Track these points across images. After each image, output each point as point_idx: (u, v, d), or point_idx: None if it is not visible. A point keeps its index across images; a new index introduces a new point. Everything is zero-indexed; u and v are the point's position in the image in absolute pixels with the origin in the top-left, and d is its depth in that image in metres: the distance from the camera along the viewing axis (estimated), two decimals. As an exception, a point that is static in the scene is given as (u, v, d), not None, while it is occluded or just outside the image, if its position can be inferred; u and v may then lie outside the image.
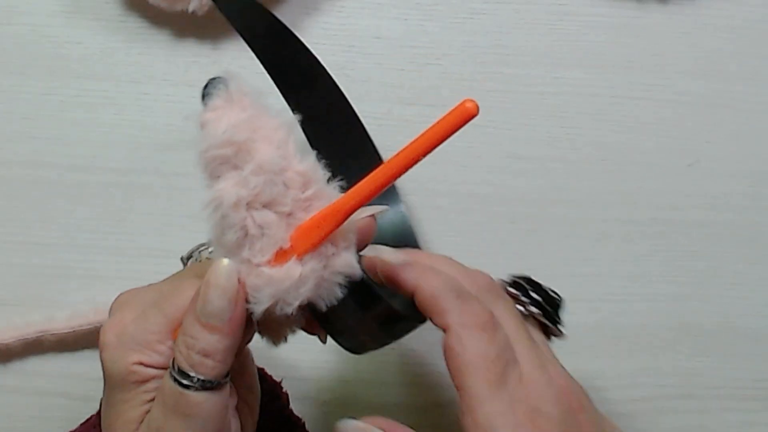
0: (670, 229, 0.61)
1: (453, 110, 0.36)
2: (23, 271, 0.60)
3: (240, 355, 0.43)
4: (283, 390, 0.50)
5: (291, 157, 0.39)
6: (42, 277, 0.60)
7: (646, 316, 0.60)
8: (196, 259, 0.48)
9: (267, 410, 0.48)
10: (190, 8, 0.57)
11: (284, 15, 0.61)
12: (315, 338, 0.44)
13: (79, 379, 0.59)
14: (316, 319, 0.41)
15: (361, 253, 0.41)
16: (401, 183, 0.59)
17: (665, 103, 0.61)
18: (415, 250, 0.43)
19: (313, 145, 0.50)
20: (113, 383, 0.41)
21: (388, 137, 0.60)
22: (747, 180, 0.61)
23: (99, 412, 0.44)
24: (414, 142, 0.37)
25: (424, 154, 0.37)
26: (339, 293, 0.40)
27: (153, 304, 0.41)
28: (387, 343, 0.43)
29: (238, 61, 0.61)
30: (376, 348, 0.43)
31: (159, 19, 0.60)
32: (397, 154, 0.37)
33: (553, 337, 0.45)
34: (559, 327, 0.43)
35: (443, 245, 0.60)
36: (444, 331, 0.39)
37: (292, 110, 0.45)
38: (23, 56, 0.60)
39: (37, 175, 0.60)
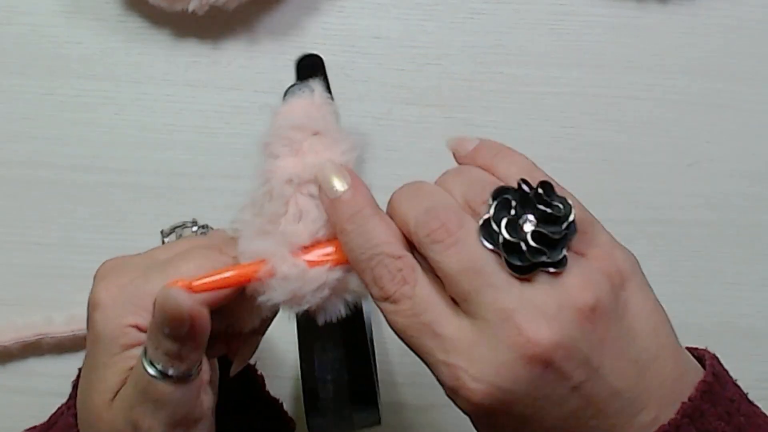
0: (670, 229, 0.61)
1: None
2: (23, 271, 0.60)
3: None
4: (258, 372, 0.49)
5: (348, 162, 0.41)
6: (42, 277, 0.60)
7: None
8: (179, 235, 0.48)
9: (242, 392, 0.48)
10: (190, 8, 0.57)
11: (284, 15, 0.61)
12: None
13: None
14: (298, 327, 0.42)
15: None
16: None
17: (665, 103, 0.61)
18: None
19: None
20: (100, 345, 0.40)
21: (388, 137, 0.61)
22: (747, 180, 0.61)
23: (68, 402, 0.44)
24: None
25: None
26: (341, 311, 0.40)
27: (155, 267, 0.41)
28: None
29: (238, 61, 0.61)
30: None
31: (159, 19, 0.60)
32: None
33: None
34: (547, 269, 0.38)
35: (443, 245, 0.60)
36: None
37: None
38: (23, 56, 0.60)
39: (37, 175, 0.60)
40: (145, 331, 0.40)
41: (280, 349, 0.58)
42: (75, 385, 0.44)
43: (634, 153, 0.61)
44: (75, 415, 0.42)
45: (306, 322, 0.42)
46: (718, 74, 0.61)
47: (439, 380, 0.38)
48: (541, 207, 0.38)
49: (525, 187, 0.39)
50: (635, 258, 0.40)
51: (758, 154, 0.61)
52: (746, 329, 0.61)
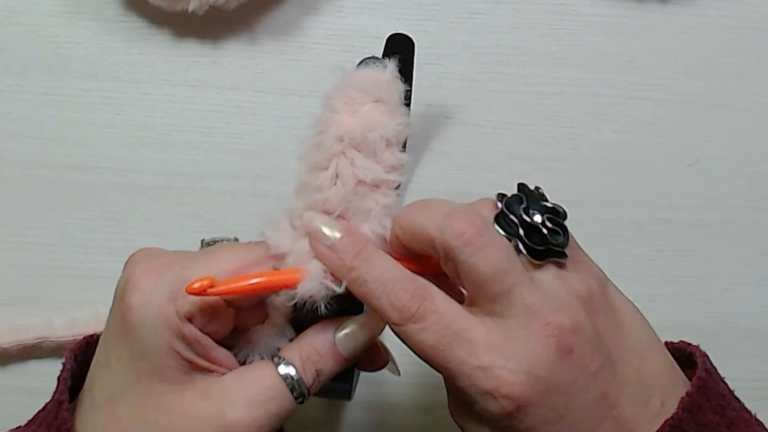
0: (670, 229, 0.61)
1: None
2: (23, 271, 0.60)
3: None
4: None
5: (396, 144, 0.43)
6: (41, 277, 0.60)
7: (646, 316, 0.59)
8: None
9: None
10: (190, 8, 0.57)
11: (284, 15, 0.61)
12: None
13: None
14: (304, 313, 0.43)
15: None
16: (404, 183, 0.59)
17: (665, 103, 0.61)
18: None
19: None
20: (143, 331, 0.40)
21: (388, 137, 0.61)
22: (747, 180, 0.61)
23: (56, 397, 0.43)
24: None
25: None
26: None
27: (194, 257, 0.42)
28: None
29: (238, 60, 0.61)
30: None
31: (159, 19, 0.60)
32: None
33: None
34: (556, 258, 0.41)
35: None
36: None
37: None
38: (23, 56, 0.60)
39: (37, 175, 0.60)
40: (198, 324, 0.41)
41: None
42: (64, 378, 0.43)
43: (634, 153, 0.61)
44: (68, 410, 0.42)
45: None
46: (718, 74, 0.61)
47: (472, 390, 0.39)
48: (544, 203, 0.42)
49: (529, 188, 0.42)
50: None
51: (758, 154, 0.61)
52: (746, 329, 0.61)
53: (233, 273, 0.41)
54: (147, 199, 0.60)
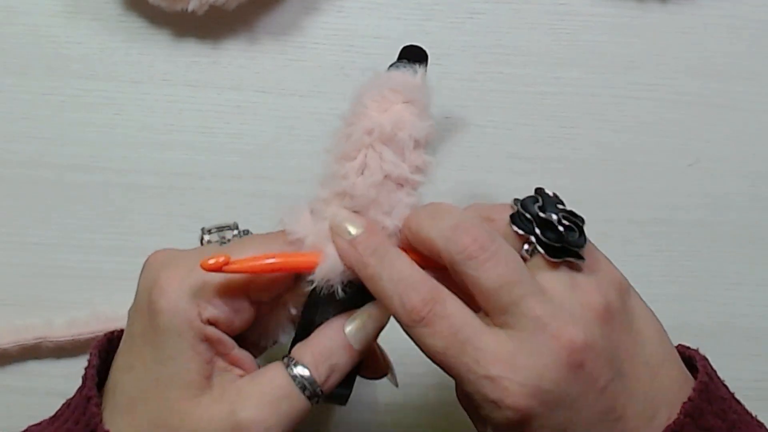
0: (670, 229, 0.61)
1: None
2: (22, 271, 0.60)
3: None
4: None
5: (423, 145, 0.44)
6: (41, 277, 0.60)
7: (646, 316, 0.60)
8: (221, 237, 0.48)
9: None
10: (190, 8, 0.57)
11: (284, 15, 0.61)
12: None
13: (78, 380, 0.58)
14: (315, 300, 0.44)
15: None
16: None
17: (665, 103, 0.61)
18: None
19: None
20: (168, 336, 0.41)
21: (388, 137, 0.61)
22: (747, 180, 0.61)
23: (84, 392, 0.43)
24: None
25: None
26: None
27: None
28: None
29: (238, 60, 0.61)
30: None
31: (159, 18, 0.60)
32: None
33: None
34: (575, 255, 0.41)
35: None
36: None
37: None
38: (23, 56, 0.60)
39: (37, 175, 0.60)
40: (220, 326, 0.41)
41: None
42: (92, 375, 0.43)
43: (634, 153, 0.61)
44: (97, 405, 0.42)
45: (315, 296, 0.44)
46: (718, 74, 0.61)
47: (478, 397, 0.39)
48: (560, 205, 0.42)
49: (546, 191, 0.42)
50: None
51: (758, 154, 0.61)
52: (746, 329, 0.61)
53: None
54: (147, 199, 0.60)
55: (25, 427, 0.45)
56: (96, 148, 0.60)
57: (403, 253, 0.42)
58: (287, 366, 0.42)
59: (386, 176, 0.43)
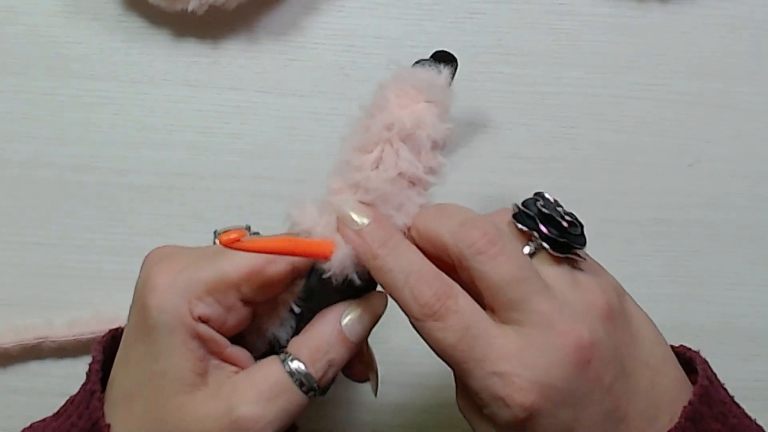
0: (670, 229, 0.61)
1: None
2: (22, 271, 0.60)
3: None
4: None
5: (440, 147, 0.44)
6: (41, 277, 0.60)
7: (646, 316, 0.60)
8: None
9: None
10: (190, 8, 0.57)
11: (284, 15, 0.61)
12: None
13: (79, 380, 0.58)
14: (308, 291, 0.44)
15: None
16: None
17: (665, 103, 0.61)
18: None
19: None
20: (160, 332, 0.41)
21: (388, 137, 0.61)
22: (747, 180, 0.61)
23: (89, 386, 0.44)
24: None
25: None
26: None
27: (207, 257, 0.42)
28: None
29: (238, 60, 0.61)
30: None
31: (159, 18, 0.60)
32: None
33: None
34: (577, 253, 0.42)
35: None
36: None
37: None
38: (23, 56, 0.60)
39: (37, 175, 0.60)
40: (212, 324, 0.41)
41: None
42: (96, 370, 0.43)
43: (634, 153, 0.61)
44: (100, 399, 0.42)
45: (318, 287, 0.44)
46: (718, 74, 0.61)
47: (485, 394, 0.39)
48: (560, 208, 0.42)
49: (546, 195, 0.43)
50: None
51: (758, 154, 0.61)
52: (746, 329, 0.61)
53: (249, 272, 0.41)
54: (147, 199, 0.60)
55: (28, 425, 0.45)
56: (96, 148, 0.60)
57: (413, 246, 0.42)
58: (283, 361, 0.42)
59: (400, 173, 0.43)
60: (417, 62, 0.46)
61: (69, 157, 0.60)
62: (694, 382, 0.42)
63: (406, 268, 0.40)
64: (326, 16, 0.61)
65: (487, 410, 0.39)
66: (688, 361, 0.43)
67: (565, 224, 0.41)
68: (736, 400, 0.43)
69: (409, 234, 0.43)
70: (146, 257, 0.44)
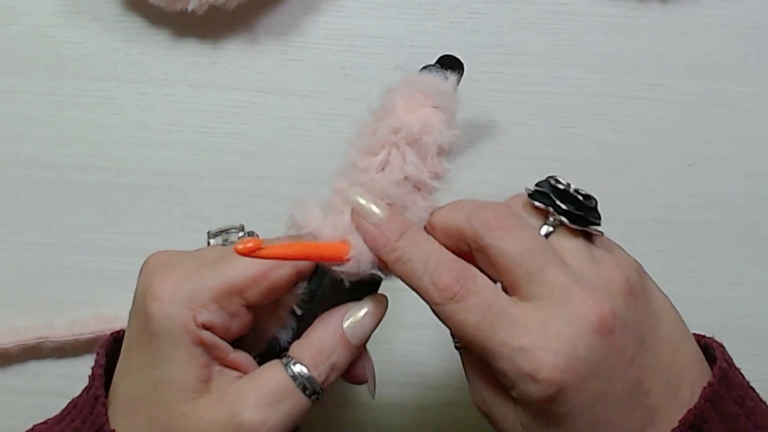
0: (670, 229, 0.61)
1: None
2: (22, 271, 0.60)
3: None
4: None
5: (446, 153, 0.45)
6: (41, 277, 0.60)
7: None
8: (225, 239, 0.48)
9: None
10: (190, 7, 0.57)
11: (284, 15, 0.61)
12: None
13: (79, 380, 0.58)
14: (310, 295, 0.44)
15: None
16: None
17: (665, 103, 0.61)
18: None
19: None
20: (163, 340, 0.41)
21: (388, 137, 0.61)
22: (747, 180, 0.61)
23: (92, 391, 0.43)
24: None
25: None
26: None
27: (209, 264, 0.42)
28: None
29: (238, 60, 0.61)
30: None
31: (159, 18, 0.60)
32: None
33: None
34: (595, 228, 0.42)
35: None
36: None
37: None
38: (23, 56, 0.60)
39: (37, 175, 0.60)
40: (216, 331, 0.41)
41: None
42: (99, 374, 0.43)
43: (634, 153, 0.61)
44: (104, 404, 0.42)
45: (325, 288, 0.44)
46: (718, 74, 0.61)
47: (512, 372, 0.39)
48: (572, 186, 0.43)
49: (558, 178, 0.43)
50: None
51: (759, 154, 0.61)
52: (746, 329, 0.61)
53: (253, 278, 0.41)
54: (147, 199, 0.60)
55: (30, 427, 0.45)
56: (96, 148, 0.60)
57: (429, 236, 0.42)
58: (286, 365, 0.42)
59: (406, 177, 0.43)
60: (424, 67, 0.46)
61: (69, 157, 0.60)
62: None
63: (425, 256, 0.41)
64: (326, 16, 0.61)
65: (516, 391, 0.39)
66: (704, 347, 0.44)
67: (580, 197, 0.42)
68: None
69: (428, 227, 0.43)
70: (145, 263, 0.44)
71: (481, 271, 0.41)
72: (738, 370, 0.43)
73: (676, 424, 0.39)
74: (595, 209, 0.42)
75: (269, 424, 0.40)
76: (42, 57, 0.60)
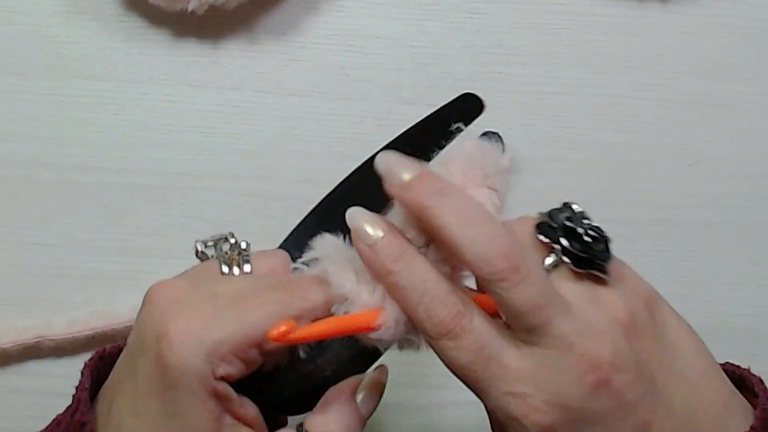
0: (670, 229, 0.61)
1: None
2: (22, 271, 0.60)
3: None
4: None
5: None
6: (41, 277, 0.60)
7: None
8: (220, 249, 0.47)
9: None
10: (190, 7, 0.57)
11: (284, 15, 0.61)
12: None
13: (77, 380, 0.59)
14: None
15: None
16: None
17: (665, 103, 0.61)
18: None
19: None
20: (180, 390, 0.39)
21: (389, 137, 0.61)
22: (747, 180, 0.61)
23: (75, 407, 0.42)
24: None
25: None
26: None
27: (226, 311, 0.40)
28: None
29: (238, 60, 0.61)
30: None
31: (159, 18, 0.60)
32: None
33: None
34: (600, 268, 0.40)
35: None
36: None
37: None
38: (23, 56, 0.60)
39: (37, 175, 0.60)
40: (231, 381, 0.40)
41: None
42: (85, 399, 0.42)
43: (634, 153, 0.61)
44: (92, 431, 0.41)
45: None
46: (718, 74, 0.61)
47: (499, 413, 0.38)
48: (587, 221, 0.41)
49: (574, 206, 0.42)
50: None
51: (759, 154, 0.61)
52: (746, 329, 0.61)
53: (275, 324, 0.40)
54: (147, 199, 0.60)
55: None
56: (96, 148, 0.60)
57: (427, 262, 0.40)
58: None
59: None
60: (484, 133, 0.45)
61: (69, 157, 0.60)
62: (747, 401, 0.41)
63: (420, 286, 0.39)
64: (326, 16, 0.61)
65: (509, 428, 0.39)
66: (738, 379, 0.42)
67: (588, 239, 0.40)
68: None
69: (423, 215, 0.41)
70: (151, 298, 0.42)
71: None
72: None
73: None
74: (604, 250, 0.41)
75: None
76: (42, 57, 0.60)
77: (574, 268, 0.40)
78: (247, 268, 0.45)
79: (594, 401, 0.37)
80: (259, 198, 0.60)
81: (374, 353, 0.43)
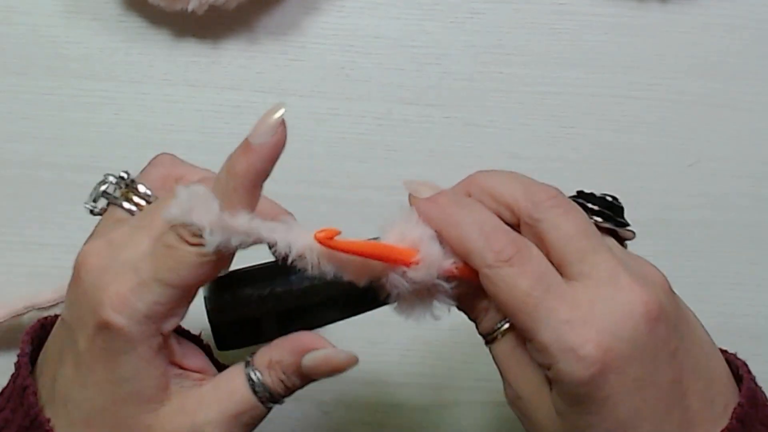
0: (670, 229, 0.61)
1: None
2: (23, 271, 0.60)
3: None
4: (204, 343, 0.48)
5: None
6: (42, 277, 0.60)
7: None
8: (110, 196, 0.47)
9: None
10: (190, 7, 0.57)
11: (284, 15, 0.61)
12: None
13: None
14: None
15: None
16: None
17: (665, 103, 0.61)
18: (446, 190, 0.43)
19: None
20: (122, 354, 0.40)
21: (388, 137, 0.61)
22: (747, 180, 0.61)
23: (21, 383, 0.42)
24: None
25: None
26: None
27: (159, 262, 0.40)
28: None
29: (238, 60, 0.61)
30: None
31: (159, 18, 0.60)
32: None
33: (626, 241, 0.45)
34: (628, 229, 0.44)
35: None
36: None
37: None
38: (23, 56, 0.60)
39: (37, 175, 0.60)
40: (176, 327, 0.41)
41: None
42: (26, 363, 0.42)
43: (634, 153, 0.61)
44: (34, 394, 0.41)
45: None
46: (718, 74, 0.61)
47: (555, 345, 0.38)
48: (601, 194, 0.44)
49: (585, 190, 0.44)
50: None
51: (759, 154, 0.61)
52: (746, 329, 0.61)
53: (202, 280, 0.41)
54: (147, 199, 0.60)
55: None
56: (96, 148, 0.60)
57: (483, 206, 0.42)
58: (248, 375, 0.42)
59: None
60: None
61: (69, 157, 0.60)
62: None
63: (479, 219, 0.40)
64: (326, 16, 0.61)
65: (554, 370, 0.38)
66: (727, 362, 0.43)
67: (609, 198, 0.43)
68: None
69: (468, 192, 0.43)
70: (81, 264, 0.41)
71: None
72: (760, 388, 0.42)
73: None
74: (621, 214, 0.44)
75: None
76: (42, 57, 0.60)
77: (602, 224, 0.42)
78: (142, 188, 0.46)
79: (644, 336, 0.38)
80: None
81: (367, 302, 0.43)
